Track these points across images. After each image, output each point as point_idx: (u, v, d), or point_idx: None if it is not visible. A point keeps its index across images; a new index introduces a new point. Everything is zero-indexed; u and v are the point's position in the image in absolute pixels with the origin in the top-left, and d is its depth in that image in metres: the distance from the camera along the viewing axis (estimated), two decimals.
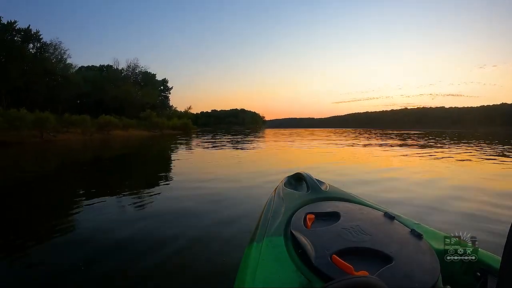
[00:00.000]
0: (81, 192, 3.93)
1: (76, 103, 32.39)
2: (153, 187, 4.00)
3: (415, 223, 1.14)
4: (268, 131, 46.24)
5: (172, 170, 6.04)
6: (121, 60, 52.45)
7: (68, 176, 5.47)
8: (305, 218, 1.11)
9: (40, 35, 28.34)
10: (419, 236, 0.97)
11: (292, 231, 1.01)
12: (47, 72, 26.85)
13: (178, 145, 13.46)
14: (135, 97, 37.83)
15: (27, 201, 3.37)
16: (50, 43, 29.14)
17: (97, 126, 23.46)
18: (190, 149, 11.45)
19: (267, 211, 1.29)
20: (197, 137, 22.22)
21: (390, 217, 1.13)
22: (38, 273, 1.68)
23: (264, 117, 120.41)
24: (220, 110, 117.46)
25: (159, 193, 3.61)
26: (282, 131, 49.40)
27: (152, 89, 41.10)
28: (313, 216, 1.13)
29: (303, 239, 0.93)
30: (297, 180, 1.77)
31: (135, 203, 3.15)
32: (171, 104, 48.97)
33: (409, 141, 16.01)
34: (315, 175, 1.61)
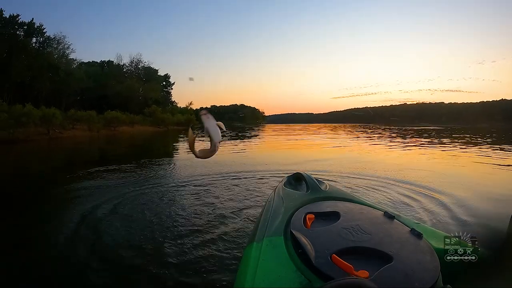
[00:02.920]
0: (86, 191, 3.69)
1: (78, 99, 31.85)
2: (162, 183, 4.08)
3: (415, 223, 1.14)
4: (269, 126, 45.71)
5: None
6: (124, 55, 51.53)
7: (80, 176, 4.94)
8: (305, 218, 1.10)
9: (44, 29, 27.76)
10: (419, 236, 0.96)
11: (292, 231, 1.00)
12: (50, 67, 26.35)
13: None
14: (138, 92, 37.42)
15: (28, 201, 3.48)
16: (54, 37, 28.62)
17: (104, 122, 23.03)
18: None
19: (267, 211, 1.28)
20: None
21: (390, 216, 1.12)
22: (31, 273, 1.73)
23: (264, 113, 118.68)
24: (219, 106, 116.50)
25: (170, 188, 3.72)
26: (285, 126, 48.45)
27: (155, 85, 40.57)
28: (313, 216, 1.12)
29: (303, 239, 0.92)
30: (296, 180, 1.76)
31: (139, 200, 3.21)
32: (172, 100, 48.45)
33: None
34: None
